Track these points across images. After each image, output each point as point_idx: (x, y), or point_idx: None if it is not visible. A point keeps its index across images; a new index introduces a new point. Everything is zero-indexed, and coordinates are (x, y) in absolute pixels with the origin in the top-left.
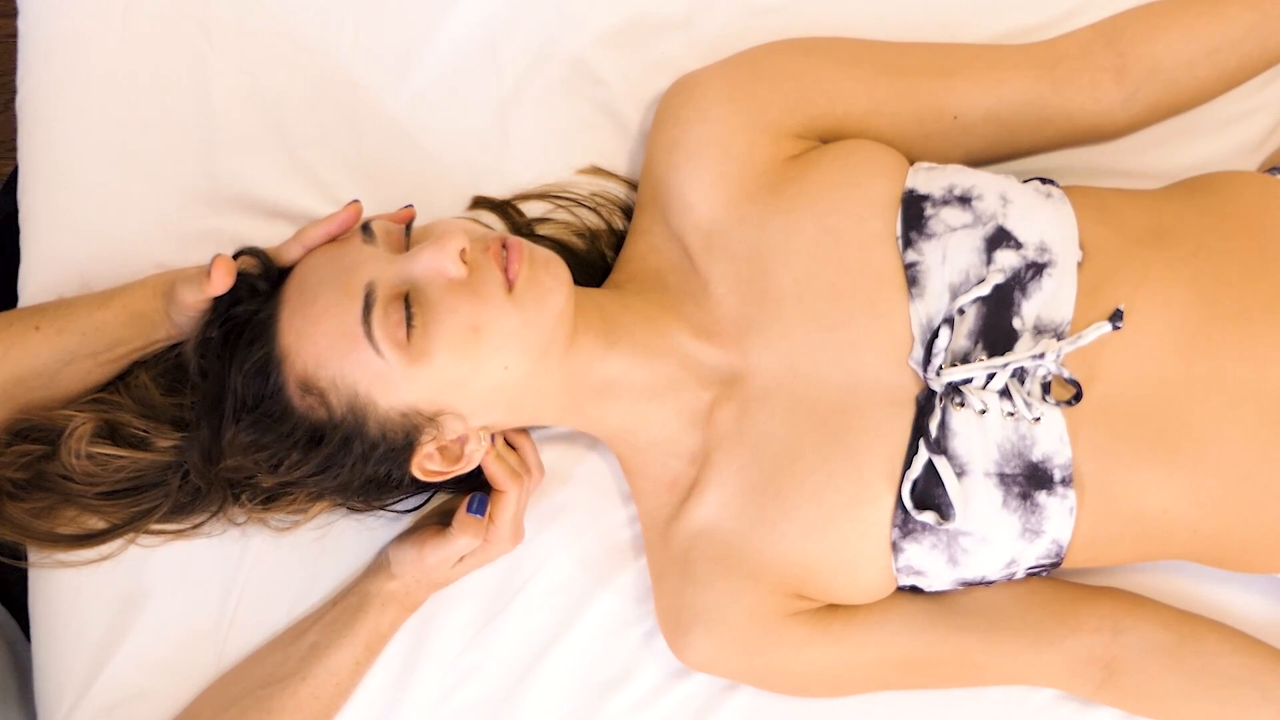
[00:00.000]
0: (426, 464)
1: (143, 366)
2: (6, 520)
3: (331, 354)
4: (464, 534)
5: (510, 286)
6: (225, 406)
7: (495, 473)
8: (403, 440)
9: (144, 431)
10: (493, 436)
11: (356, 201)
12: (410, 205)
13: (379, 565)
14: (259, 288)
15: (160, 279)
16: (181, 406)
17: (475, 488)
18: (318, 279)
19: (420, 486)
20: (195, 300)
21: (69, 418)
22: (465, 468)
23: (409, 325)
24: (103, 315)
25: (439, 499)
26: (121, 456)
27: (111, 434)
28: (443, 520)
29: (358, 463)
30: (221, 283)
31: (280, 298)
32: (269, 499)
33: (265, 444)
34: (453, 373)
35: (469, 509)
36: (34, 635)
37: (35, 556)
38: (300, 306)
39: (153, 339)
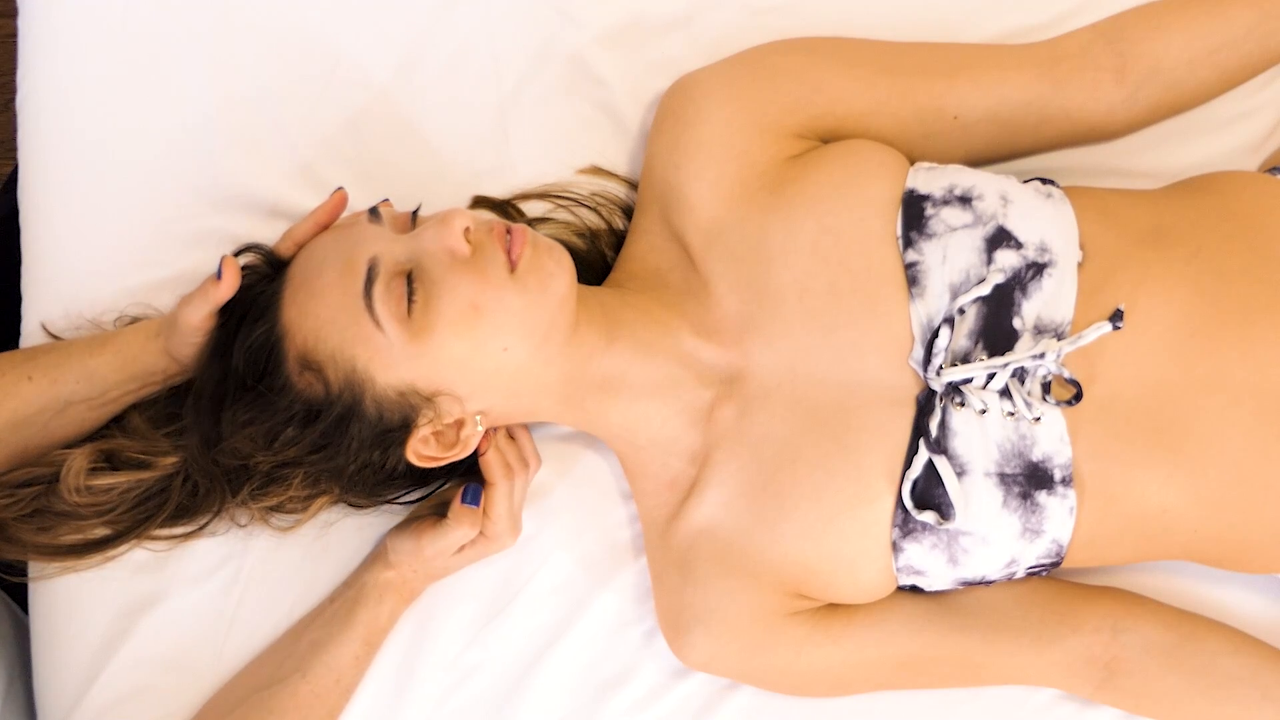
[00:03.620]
0: (421, 449)
1: (136, 409)
2: (13, 540)
3: (332, 328)
4: (461, 525)
5: (513, 268)
6: (226, 388)
7: (490, 464)
8: (398, 421)
9: (142, 454)
10: (494, 430)
11: (341, 189)
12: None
13: (376, 555)
14: (261, 270)
15: (153, 321)
16: (178, 432)
17: (473, 478)
18: (322, 256)
19: (417, 480)
20: (201, 318)
21: (65, 455)
22: (461, 453)
23: (410, 301)
24: (95, 362)
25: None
26: (122, 481)
27: (109, 460)
28: (439, 511)
29: (353, 442)
30: (230, 282)
31: (284, 277)
32: (266, 483)
33: (262, 420)
34: (452, 351)
35: (464, 499)
36: (34, 635)
37: (37, 570)
38: (304, 282)
39: (148, 382)
